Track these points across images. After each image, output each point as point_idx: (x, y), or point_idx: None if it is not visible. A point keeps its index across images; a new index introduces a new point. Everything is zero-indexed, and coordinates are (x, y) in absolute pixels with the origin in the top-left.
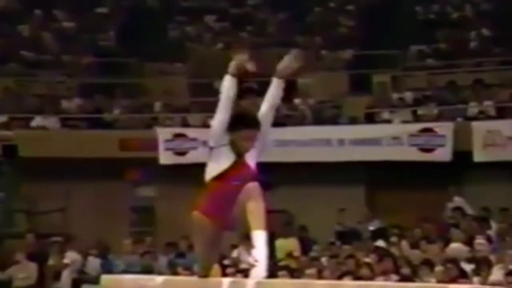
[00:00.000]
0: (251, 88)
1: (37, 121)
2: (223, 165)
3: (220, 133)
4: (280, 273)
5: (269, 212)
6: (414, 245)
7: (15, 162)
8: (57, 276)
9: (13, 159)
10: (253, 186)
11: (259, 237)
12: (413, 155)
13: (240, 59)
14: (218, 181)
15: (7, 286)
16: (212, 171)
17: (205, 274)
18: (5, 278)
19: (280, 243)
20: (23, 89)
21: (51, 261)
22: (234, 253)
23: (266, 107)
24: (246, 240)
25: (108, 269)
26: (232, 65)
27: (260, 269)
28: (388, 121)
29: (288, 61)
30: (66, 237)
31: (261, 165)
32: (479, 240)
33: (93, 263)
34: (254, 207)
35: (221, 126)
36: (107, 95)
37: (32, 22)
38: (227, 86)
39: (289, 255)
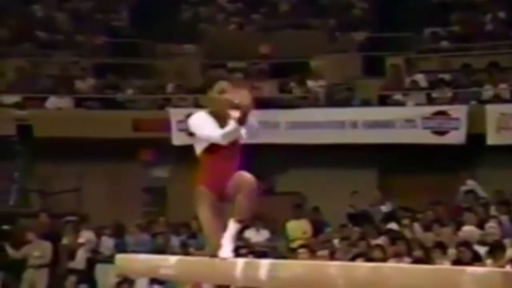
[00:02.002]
0: (262, 70)
1: (51, 101)
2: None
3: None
4: (300, 250)
5: (280, 194)
6: (426, 228)
7: (29, 142)
8: (71, 255)
9: (27, 139)
10: (247, 179)
11: (233, 226)
12: (426, 138)
13: (241, 98)
14: (208, 154)
15: (22, 265)
16: (201, 144)
17: (215, 253)
18: (20, 257)
19: (292, 224)
20: (37, 69)
21: (65, 240)
22: (246, 234)
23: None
24: (257, 220)
25: (122, 248)
26: (233, 108)
27: (224, 251)
28: (402, 104)
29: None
30: (80, 217)
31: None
32: (491, 223)
33: (107, 242)
34: (241, 199)
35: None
36: (120, 76)
37: (45, 2)
38: (230, 134)
39: (301, 237)
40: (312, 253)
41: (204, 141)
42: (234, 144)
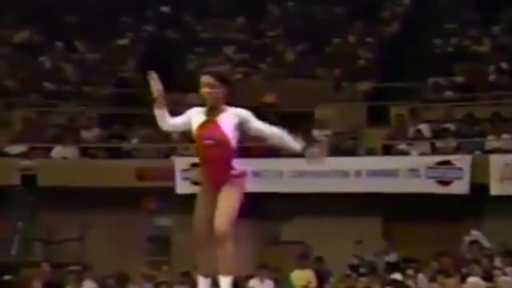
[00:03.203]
0: (267, 120)
1: (57, 150)
2: (195, 125)
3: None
4: None
5: (284, 243)
6: (431, 279)
7: (33, 191)
8: None
9: (31, 188)
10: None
11: (223, 282)
12: (430, 187)
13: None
14: (196, 143)
15: None
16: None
17: (196, 237)
18: None
19: (296, 274)
20: (43, 119)
21: None
22: (250, 284)
23: (264, 131)
24: (261, 270)
25: None
26: None
27: None
28: (406, 153)
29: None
30: (83, 266)
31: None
32: (504, 278)
33: None
34: (221, 250)
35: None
36: (126, 125)
37: (53, 54)
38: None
39: (305, 286)
40: None
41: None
42: (215, 134)
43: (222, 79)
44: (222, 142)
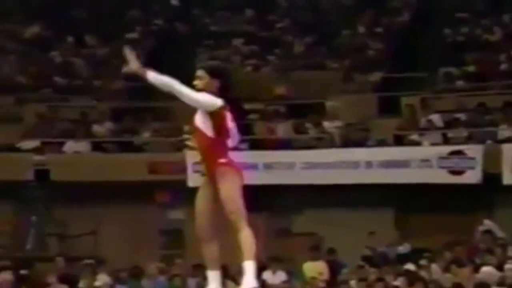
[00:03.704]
0: (278, 111)
1: (69, 145)
2: None
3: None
4: None
5: (296, 234)
6: (444, 269)
7: (47, 186)
8: None
9: (45, 183)
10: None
11: (248, 266)
12: (442, 177)
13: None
14: None
15: None
16: None
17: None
18: None
19: (308, 266)
20: (55, 114)
21: (82, 284)
22: (263, 276)
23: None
24: (274, 262)
25: None
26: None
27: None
28: (417, 144)
29: None
30: (97, 260)
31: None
32: (509, 265)
33: (124, 285)
34: (243, 236)
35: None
36: (137, 119)
37: (64, 49)
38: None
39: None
40: None
41: None
42: (196, 134)
43: (212, 72)
44: (196, 130)
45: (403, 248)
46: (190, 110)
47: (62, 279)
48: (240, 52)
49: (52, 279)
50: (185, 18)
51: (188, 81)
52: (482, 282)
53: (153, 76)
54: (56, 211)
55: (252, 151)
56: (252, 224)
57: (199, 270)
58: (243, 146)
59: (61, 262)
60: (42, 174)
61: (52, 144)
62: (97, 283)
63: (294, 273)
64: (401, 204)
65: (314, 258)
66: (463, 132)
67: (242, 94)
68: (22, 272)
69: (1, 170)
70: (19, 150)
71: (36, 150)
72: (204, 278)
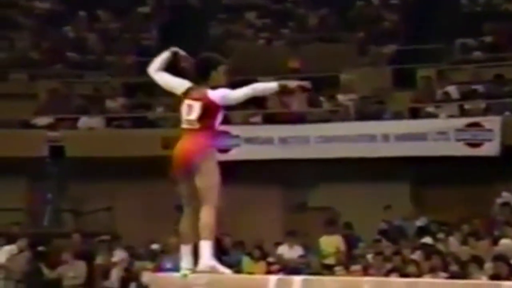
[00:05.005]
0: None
1: (83, 121)
2: None
3: None
4: (337, 268)
5: (312, 209)
6: (462, 242)
7: (62, 163)
8: (105, 274)
9: (60, 159)
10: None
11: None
12: (460, 150)
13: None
14: None
15: (57, 285)
16: None
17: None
18: (55, 277)
19: (324, 240)
20: (68, 90)
21: (99, 260)
22: (279, 250)
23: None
24: (290, 236)
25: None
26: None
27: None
28: (434, 116)
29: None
30: (113, 236)
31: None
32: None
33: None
34: (205, 215)
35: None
36: (150, 94)
37: (76, 24)
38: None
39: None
40: (346, 269)
41: None
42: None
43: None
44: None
45: (420, 222)
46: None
47: (79, 256)
48: (253, 26)
49: (68, 255)
50: None
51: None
52: (500, 254)
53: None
54: (71, 188)
55: (267, 125)
56: (267, 199)
57: (214, 245)
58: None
59: (77, 238)
60: (56, 151)
61: (66, 120)
62: (114, 259)
63: (310, 248)
64: (418, 177)
65: (330, 233)
66: (481, 104)
67: (255, 68)
68: (40, 248)
69: (15, 147)
70: (33, 126)
71: (50, 127)
72: (219, 253)
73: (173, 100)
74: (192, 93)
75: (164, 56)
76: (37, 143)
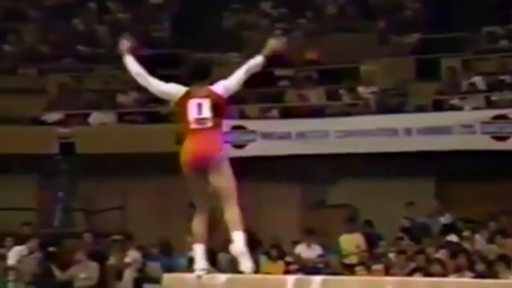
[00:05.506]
0: (310, 77)
1: (94, 116)
2: None
3: None
4: (358, 268)
5: (331, 206)
6: (489, 240)
7: (73, 160)
8: (118, 275)
9: (70, 156)
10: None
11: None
12: (486, 143)
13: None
14: None
15: (69, 287)
16: None
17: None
18: (67, 279)
19: (344, 238)
20: (78, 84)
21: (112, 260)
22: (297, 250)
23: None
24: (308, 235)
25: (169, 267)
26: None
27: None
28: (459, 108)
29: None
30: (125, 236)
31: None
32: None
33: (155, 262)
34: (233, 212)
35: None
36: None
37: (86, 16)
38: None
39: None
40: (367, 268)
41: None
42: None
43: None
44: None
45: (445, 219)
46: (217, 77)
47: (91, 256)
48: (268, 16)
49: (81, 256)
50: None
51: (215, 46)
52: None
53: None
54: (82, 185)
55: (284, 120)
56: (284, 196)
57: (230, 245)
58: None
59: (89, 238)
60: (67, 147)
61: (77, 115)
62: (127, 259)
63: (329, 247)
64: (442, 172)
65: (350, 231)
66: (508, 95)
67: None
68: (51, 249)
69: (25, 143)
70: (43, 123)
71: (60, 123)
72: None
73: None
74: (196, 93)
75: (129, 60)
76: (47, 140)
